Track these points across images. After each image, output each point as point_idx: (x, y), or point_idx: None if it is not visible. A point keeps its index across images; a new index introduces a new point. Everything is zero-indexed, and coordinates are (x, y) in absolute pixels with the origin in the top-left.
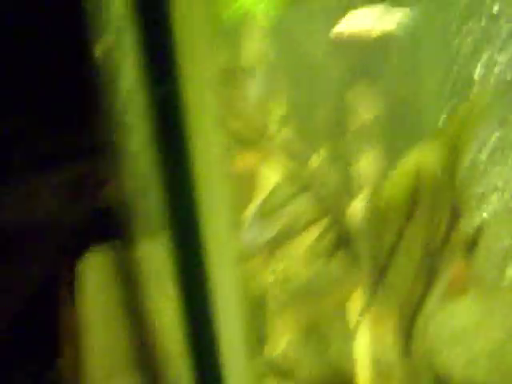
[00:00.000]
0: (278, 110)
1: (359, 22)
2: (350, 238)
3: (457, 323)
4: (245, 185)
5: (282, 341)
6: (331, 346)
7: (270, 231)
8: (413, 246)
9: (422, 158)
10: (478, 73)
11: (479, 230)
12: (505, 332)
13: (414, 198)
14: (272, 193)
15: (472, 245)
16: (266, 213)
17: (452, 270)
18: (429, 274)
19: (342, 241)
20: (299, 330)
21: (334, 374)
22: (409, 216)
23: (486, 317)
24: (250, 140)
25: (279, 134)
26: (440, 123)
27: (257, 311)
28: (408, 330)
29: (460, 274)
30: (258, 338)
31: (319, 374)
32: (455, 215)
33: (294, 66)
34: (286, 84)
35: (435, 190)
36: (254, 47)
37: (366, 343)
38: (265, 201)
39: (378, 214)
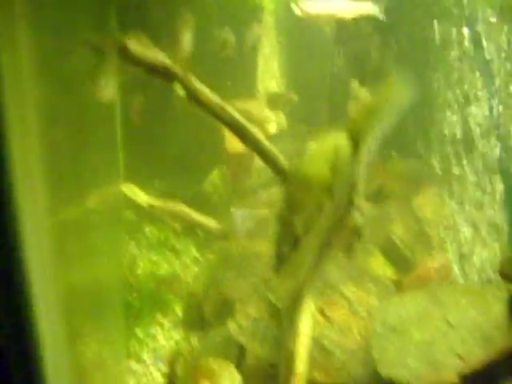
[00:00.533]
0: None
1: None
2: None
3: (399, 313)
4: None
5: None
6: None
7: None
8: (321, 232)
9: (338, 140)
10: None
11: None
12: (440, 327)
13: (334, 178)
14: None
15: (356, 237)
16: (248, 193)
17: (421, 265)
18: (319, 258)
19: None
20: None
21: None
22: (329, 195)
23: (427, 311)
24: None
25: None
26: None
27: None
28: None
29: (427, 270)
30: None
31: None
32: (350, 204)
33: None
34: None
35: (346, 173)
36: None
37: (308, 324)
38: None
39: (300, 185)
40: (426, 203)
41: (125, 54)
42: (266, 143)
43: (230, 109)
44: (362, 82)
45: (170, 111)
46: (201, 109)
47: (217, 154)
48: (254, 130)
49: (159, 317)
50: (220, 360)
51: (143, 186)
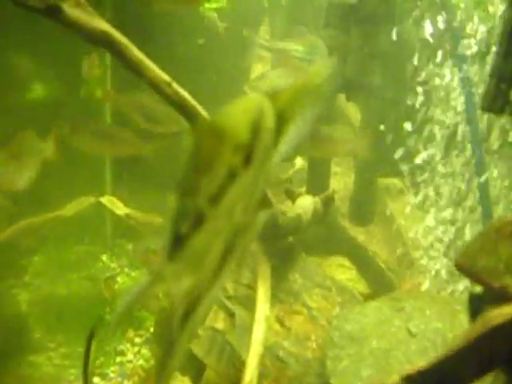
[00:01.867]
0: None
1: None
2: None
3: (359, 322)
4: None
5: None
6: None
7: None
8: (230, 210)
9: (266, 104)
10: None
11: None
12: (399, 335)
13: (253, 139)
14: None
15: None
16: None
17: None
18: (220, 265)
19: None
20: None
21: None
22: (245, 156)
23: (388, 319)
24: None
25: None
26: None
27: None
28: (178, 331)
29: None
30: None
31: None
32: (260, 203)
33: None
34: None
35: (266, 149)
36: None
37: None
38: None
39: (210, 138)
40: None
41: (60, 18)
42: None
43: (177, 87)
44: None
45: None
46: (145, 82)
47: None
48: (204, 112)
49: (131, 333)
50: (175, 374)
51: (129, 200)
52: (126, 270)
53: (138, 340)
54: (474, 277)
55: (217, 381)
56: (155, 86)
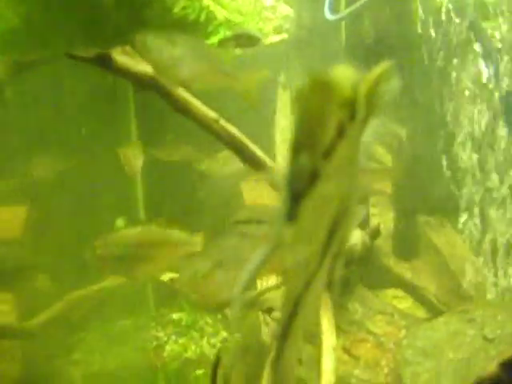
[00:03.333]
0: None
1: None
2: None
3: (430, 337)
4: None
5: None
6: None
7: None
8: (340, 173)
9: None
10: None
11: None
12: (475, 344)
13: (356, 96)
14: None
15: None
16: None
17: None
18: (328, 242)
19: None
20: None
21: None
22: (350, 113)
23: (460, 330)
24: None
25: None
26: None
27: None
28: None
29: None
30: None
31: None
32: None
33: None
34: None
35: (365, 117)
36: None
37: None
38: None
39: (320, 93)
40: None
41: (110, 65)
42: (266, 159)
43: (225, 123)
44: None
45: None
46: (193, 121)
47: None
48: (253, 147)
49: None
50: None
51: None
52: (174, 337)
53: None
54: None
55: None
56: (203, 123)
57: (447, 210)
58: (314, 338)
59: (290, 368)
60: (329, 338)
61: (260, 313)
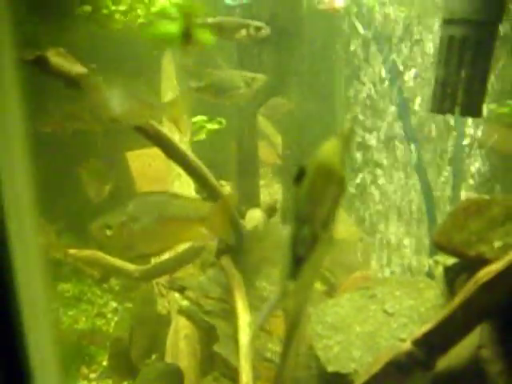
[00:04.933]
0: None
1: None
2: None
3: (337, 313)
4: None
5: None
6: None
7: None
8: (333, 228)
9: (339, 144)
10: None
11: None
12: (379, 318)
13: (340, 179)
14: None
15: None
16: None
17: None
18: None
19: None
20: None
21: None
22: (342, 182)
23: (364, 306)
24: None
25: None
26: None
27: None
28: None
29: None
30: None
31: None
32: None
33: None
34: None
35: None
36: None
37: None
38: None
39: (322, 176)
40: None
41: (46, 66)
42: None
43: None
44: None
45: None
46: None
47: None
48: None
49: (85, 370)
50: None
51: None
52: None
53: (92, 375)
54: (452, 251)
55: None
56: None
57: None
58: (230, 316)
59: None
60: (243, 315)
61: (155, 285)
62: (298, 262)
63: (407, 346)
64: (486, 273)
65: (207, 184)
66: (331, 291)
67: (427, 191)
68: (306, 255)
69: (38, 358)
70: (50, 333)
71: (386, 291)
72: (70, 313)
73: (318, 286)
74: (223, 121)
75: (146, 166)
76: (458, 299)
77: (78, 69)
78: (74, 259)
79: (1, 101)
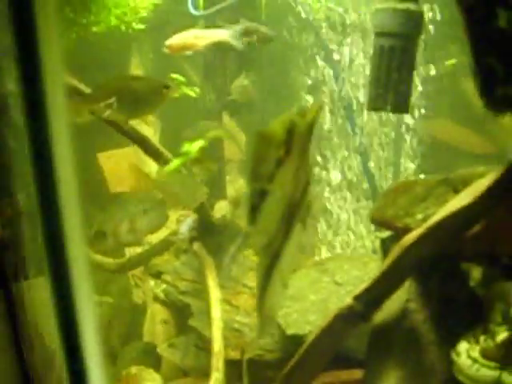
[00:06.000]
0: None
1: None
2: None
3: (295, 285)
4: None
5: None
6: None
7: None
8: (283, 186)
9: (296, 118)
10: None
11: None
12: (330, 288)
13: (289, 138)
14: None
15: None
16: None
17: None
18: (288, 226)
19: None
20: None
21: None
22: (285, 150)
23: (318, 278)
24: None
25: None
26: None
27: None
28: (266, 277)
29: None
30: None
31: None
32: (307, 183)
33: None
34: None
35: (302, 145)
36: None
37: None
38: None
39: (261, 141)
40: None
41: None
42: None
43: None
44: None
45: None
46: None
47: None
48: (155, 142)
49: None
50: (141, 367)
51: None
52: None
53: None
54: (384, 224)
55: (175, 369)
56: (113, 124)
57: None
58: (203, 294)
59: (272, 309)
60: (214, 292)
61: (131, 277)
62: (253, 210)
63: (348, 301)
64: (407, 238)
65: None
66: None
67: (369, 174)
68: (258, 204)
69: None
70: None
71: (337, 265)
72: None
73: None
74: None
75: (118, 166)
76: (388, 261)
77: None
78: None
79: None
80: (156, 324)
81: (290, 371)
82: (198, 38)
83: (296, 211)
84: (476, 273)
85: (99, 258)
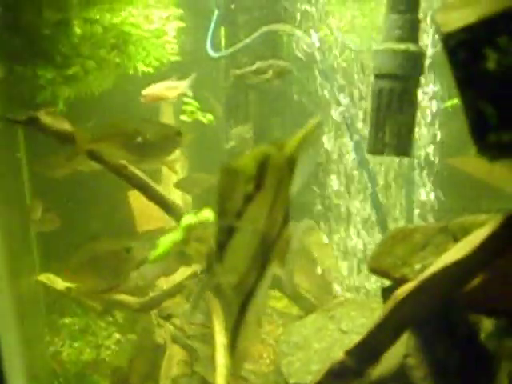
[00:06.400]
0: None
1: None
2: None
3: (301, 333)
4: None
5: None
6: None
7: None
8: (255, 222)
9: (271, 150)
10: None
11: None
12: (335, 336)
13: (260, 172)
14: None
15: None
16: None
17: None
18: (262, 263)
19: None
20: None
21: None
22: (256, 184)
23: (324, 326)
24: None
25: None
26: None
27: None
28: (239, 317)
29: None
30: None
31: None
32: (286, 219)
33: None
34: None
35: (277, 180)
36: None
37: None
38: None
39: (229, 176)
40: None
41: (38, 125)
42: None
43: (132, 168)
44: None
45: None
46: (104, 167)
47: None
48: (156, 186)
49: None
50: None
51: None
52: (68, 342)
53: None
54: (382, 274)
55: None
56: (113, 169)
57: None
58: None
59: (245, 350)
60: (219, 338)
61: (153, 316)
62: (220, 247)
63: (340, 356)
64: (401, 291)
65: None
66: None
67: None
68: (225, 241)
69: None
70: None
71: (344, 312)
72: (76, 344)
73: (295, 311)
74: None
75: (145, 204)
76: (382, 314)
77: (66, 126)
78: (77, 293)
79: None
80: (173, 365)
81: None
82: (169, 89)
83: (271, 249)
84: (488, 323)
85: (121, 296)
